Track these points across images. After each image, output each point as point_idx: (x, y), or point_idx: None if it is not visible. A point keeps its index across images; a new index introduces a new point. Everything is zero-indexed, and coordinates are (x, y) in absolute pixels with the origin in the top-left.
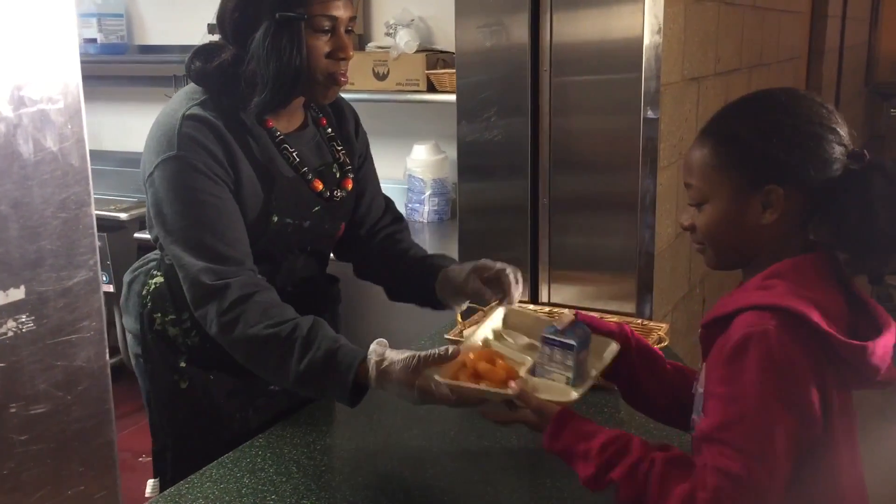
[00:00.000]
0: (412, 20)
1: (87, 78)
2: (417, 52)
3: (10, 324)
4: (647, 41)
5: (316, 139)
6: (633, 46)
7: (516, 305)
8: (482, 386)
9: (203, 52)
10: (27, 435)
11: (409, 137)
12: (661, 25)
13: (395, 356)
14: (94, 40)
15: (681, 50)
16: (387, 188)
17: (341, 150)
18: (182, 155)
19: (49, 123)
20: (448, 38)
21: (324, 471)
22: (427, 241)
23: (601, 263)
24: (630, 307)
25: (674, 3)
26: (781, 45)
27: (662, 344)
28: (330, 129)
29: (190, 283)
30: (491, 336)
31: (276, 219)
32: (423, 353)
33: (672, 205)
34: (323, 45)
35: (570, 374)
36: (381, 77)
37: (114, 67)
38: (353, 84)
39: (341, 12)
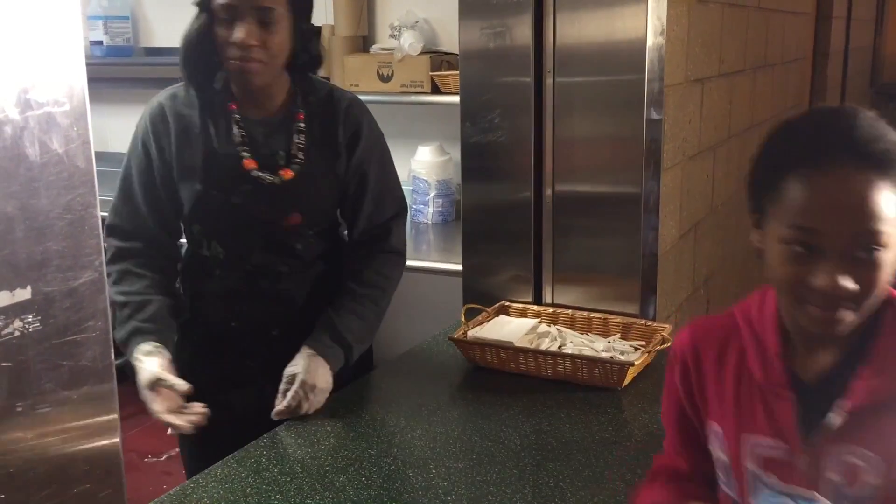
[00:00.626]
0: (416, 22)
1: (93, 80)
2: (422, 53)
3: (17, 324)
4: (650, 42)
5: (280, 128)
6: (636, 48)
7: None
8: None
9: None
10: (33, 433)
11: (413, 139)
12: (665, 27)
13: (147, 365)
14: (100, 43)
15: (684, 51)
16: None
17: (300, 142)
18: (135, 132)
19: (55, 126)
20: (452, 40)
21: (328, 471)
22: (431, 243)
23: (605, 265)
24: (634, 308)
25: (677, 4)
26: (786, 47)
27: (665, 345)
28: (302, 124)
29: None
30: None
31: (199, 188)
32: (161, 376)
33: (676, 206)
34: (225, 32)
35: None
36: (385, 79)
37: (120, 70)
38: (357, 86)
39: (239, 1)
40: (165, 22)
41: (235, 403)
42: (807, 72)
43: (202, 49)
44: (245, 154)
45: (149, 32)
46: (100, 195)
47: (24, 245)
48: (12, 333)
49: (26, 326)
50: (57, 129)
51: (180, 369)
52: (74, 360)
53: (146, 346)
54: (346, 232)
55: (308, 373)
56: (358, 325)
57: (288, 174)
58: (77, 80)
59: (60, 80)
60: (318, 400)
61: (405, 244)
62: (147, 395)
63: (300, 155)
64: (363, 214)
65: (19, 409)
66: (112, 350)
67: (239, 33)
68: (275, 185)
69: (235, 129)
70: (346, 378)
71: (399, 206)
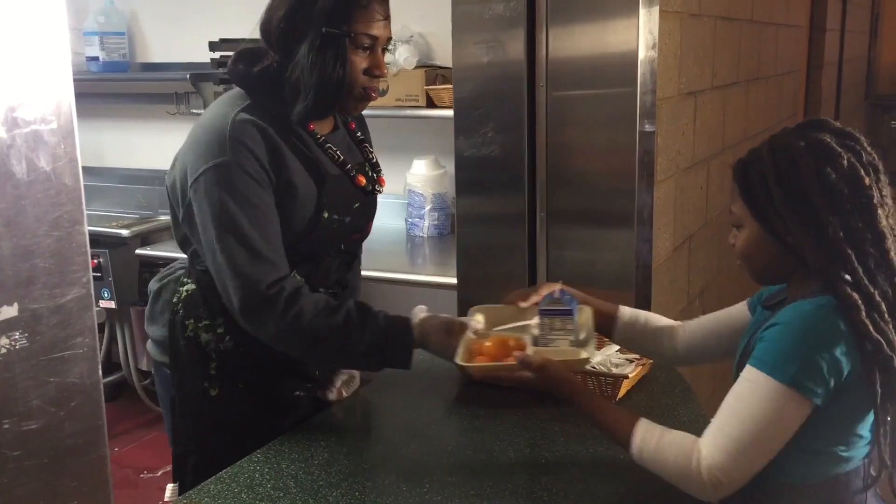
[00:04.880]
0: (411, 36)
1: (89, 95)
2: (417, 67)
3: (4, 341)
4: (642, 56)
5: (346, 141)
6: (629, 61)
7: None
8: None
9: (247, 56)
10: (20, 451)
11: (408, 152)
12: (657, 40)
13: (435, 321)
14: (97, 58)
15: (677, 64)
16: (387, 203)
17: (372, 151)
18: (233, 160)
19: (42, 144)
20: (447, 54)
21: (321, 486)
22: (427, 256)
23: (599, 277)
24: None
25: (669, 18)
26: (779, 59)
27: None
28: (360, 133)
29: (245, 288)
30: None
31: (326, 215)
32: (459, 319)
33: (670, 218)
34: (361, 61)
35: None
36: (380, 93)
37: (116, 85)
38: None
39: (381, 32)
40: (161, 38)
41: (271, 432)
42: (801, 84)
43: (341, 76)
44: (353, 172)
45: (145, 48)
46: (97, 210)
47: (10, 262)
48: None
49: (13, 343)
50: (44, 147)
51: (230, 403)
52: (62, 376)
53: (415, 311)
54: None
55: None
56: None
57: (384, 182)
58: (65, 97)
59: (48, 97)
60: None
61: None
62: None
63: (378, 162)
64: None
65: (6, 425)
66: (99, 367)
67: (382, 63)
68: (375, 195)
69: (332, 149)
70: None
71: None
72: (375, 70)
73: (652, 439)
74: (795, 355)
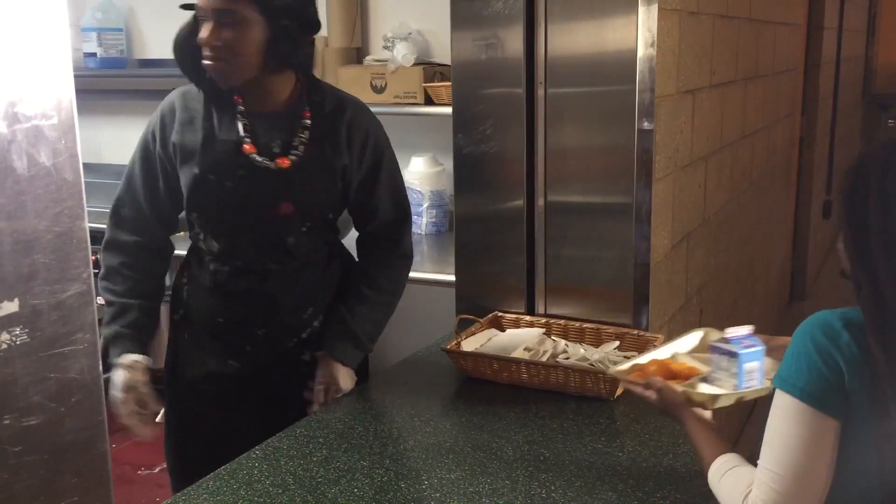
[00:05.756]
0: (410, 33)
1: (87, 92)
2: (415, 65)
3: (4, 336)
4: (640, 54)
5: (282, 121)
6: (627, 59)
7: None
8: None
9: None
10: (21, 446)
11: (406, 150)
12: (655, 38)
13: (130, 374)
14: (94, 55)
15: (675, 62)
16: None
17: (304, 136)
18: (150, 122)
19: (43, 139)
20: (445, 52)
21: (320, 482)
22: (425, 254)
23: (597, 275)
24: (626, 318)
25: (668, 16)
26: (777, 57)
27: None
28: (308, 121)
29: (112, 209)
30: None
31: (197, 171)
32: (141, 388)
33: (668, 216)
34: (200, 34)
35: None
36: (378, 90)
37: (113, 81)
38: None
39: (201, 1)
40: (159, 34)
41: (216, 401)
42: (798, 82)
43: (189, 48)
44: (245, 140)
45: (142, 44)
46: (93, 207)
47: (11, 258)
48: (0, 346)
49: (14, 339)
50: (45, 143)
51: (169, 360)
52: (62, 372)
53: (131, 357)
54: (348, 236)
55: (337, 381)
56: (373, 329)
57: (284, 162)
58: (65, 93)
59: (48, 93)
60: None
61: (412, 248)
62: (119, 397)
63: (300, 147)
64: (378, 217)
65: (7, 421)
66: (100, 362)
67: (202, 34)
68: (269, 170)
69: (238, 120)
70: None
71: (408, 212)
72: (198, 41)
73: (722, 471)
74: (802, 366)
